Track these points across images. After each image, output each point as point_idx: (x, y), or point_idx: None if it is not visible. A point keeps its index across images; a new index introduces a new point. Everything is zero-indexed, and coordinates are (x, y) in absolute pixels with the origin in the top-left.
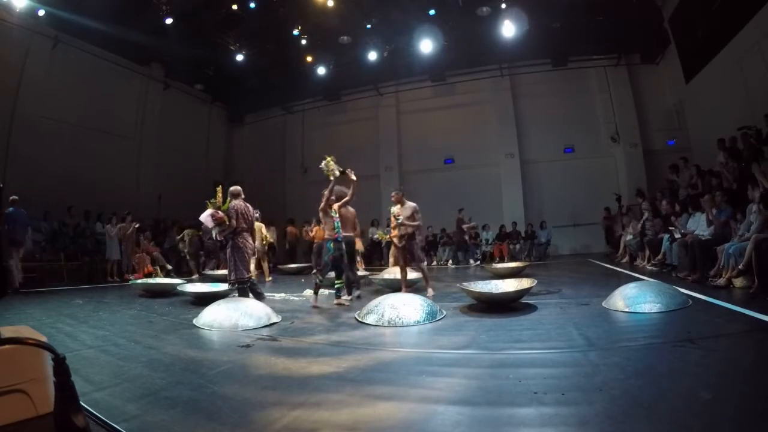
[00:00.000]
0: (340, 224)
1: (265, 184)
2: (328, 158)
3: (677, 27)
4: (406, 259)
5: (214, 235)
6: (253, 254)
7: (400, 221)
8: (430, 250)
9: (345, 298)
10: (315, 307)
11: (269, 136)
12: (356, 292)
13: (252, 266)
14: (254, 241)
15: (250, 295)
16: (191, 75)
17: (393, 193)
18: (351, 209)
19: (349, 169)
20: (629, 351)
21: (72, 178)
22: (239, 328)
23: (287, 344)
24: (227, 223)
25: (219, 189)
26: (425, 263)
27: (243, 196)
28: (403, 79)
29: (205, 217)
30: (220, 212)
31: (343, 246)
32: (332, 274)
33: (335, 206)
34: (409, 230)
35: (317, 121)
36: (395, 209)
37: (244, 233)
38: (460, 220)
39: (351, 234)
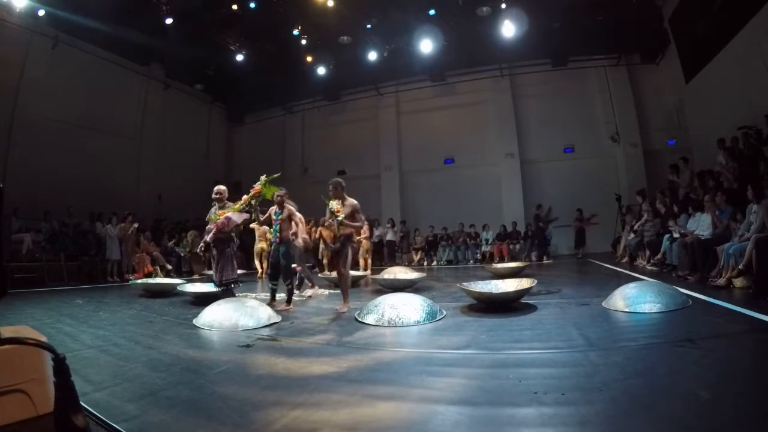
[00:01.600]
0: (279, 228)
1: None
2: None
3: (677, 27)
4: (338, 265)
5: (232, 233)
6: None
7: (340, 219)
8: (430, 250)
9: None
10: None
11: (269, 136)
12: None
13: (257, 264)
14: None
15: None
16: (191, 75)
17: (331, 185)
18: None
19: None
20: (629, 351)
21: (72, 178)
22: (239, 328)
23: (287, 344)
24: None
25: (264, 180)
26: (349, 274)
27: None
28: (403, 79)
29: (236, 217)
30: (243, 213)
31: (281, 249)
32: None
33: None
34: (347, 231)
35: (317, 121)
36: (335, 204)
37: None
38: (538, 216)
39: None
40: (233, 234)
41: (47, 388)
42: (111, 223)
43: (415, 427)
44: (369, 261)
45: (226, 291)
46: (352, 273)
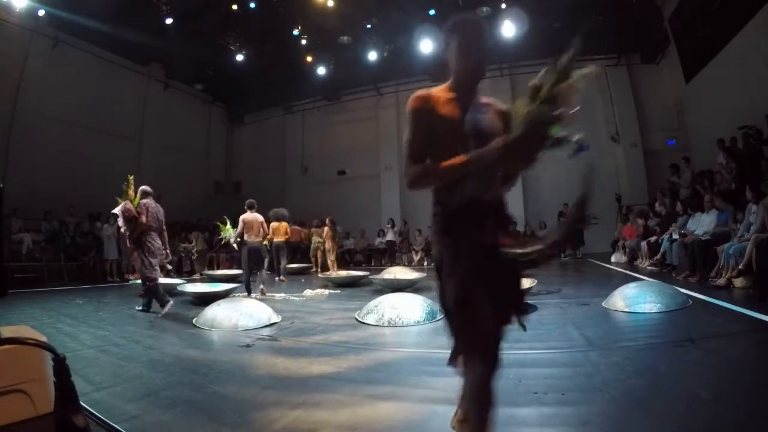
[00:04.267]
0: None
1: (265, 184)
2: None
3: (677, 27)
4: None
5: (122, 231)
6: (161, 255)
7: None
8: (430, 250)
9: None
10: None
11: (269, 136)
12: (254, 295)
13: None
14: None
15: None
16: (191, 75)
17: None
18: (259, 217)
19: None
20: (629, 351)
21: (72, 177)
22: (239, 328)
23: (287, 344)
24: (138, 219)
25: (131, 179)
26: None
27: (153, 196)
28: (403, 79)
29: (119, 210)
30: (129, 206)
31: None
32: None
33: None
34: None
35: (317, 121)
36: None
37: (152, 233)
38: (563, 213)
39: (257, 240)
40: (127, 231)
41: (47, 388)
42: (108, 223)
43: (415, 427)
44: (326, 261)
45: (146, 291)
46: (354, 273)
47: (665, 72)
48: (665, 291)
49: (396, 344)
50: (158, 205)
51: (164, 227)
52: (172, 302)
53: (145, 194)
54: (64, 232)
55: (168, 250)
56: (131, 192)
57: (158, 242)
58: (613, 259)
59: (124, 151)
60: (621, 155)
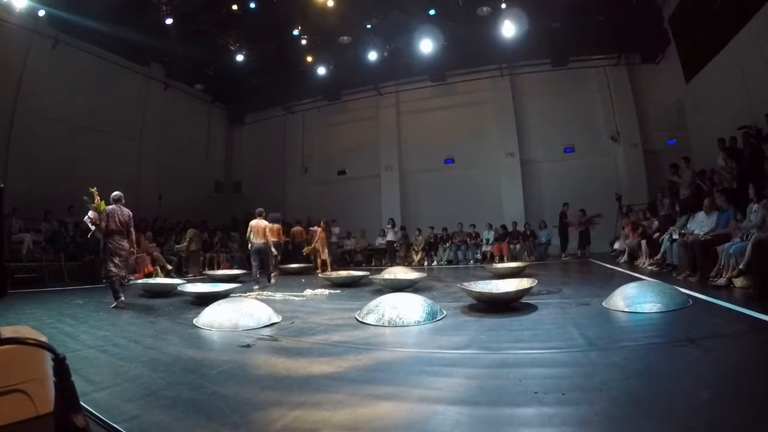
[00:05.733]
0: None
1: (265, 184)
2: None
3: (677, 27)
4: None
5: (94, 235)
6: (126, 255)
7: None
8: (430, 250)
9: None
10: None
11: (269, 136)
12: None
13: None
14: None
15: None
16: (191, 75)
17: None
18: (262, 222)
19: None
20: (629, 351)
21: (72, 177)
22: (239, 328)
23: (287, 344)
24: (98, 225)
25: (94, 191)
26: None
27: (123, 201)
28: (403, 79)
29: (87, 217)
30: (94, 214)
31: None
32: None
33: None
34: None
35: (317, 121)
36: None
37: (115, 236)
38: (564, 213)
39: (261, 242)
40: (97, 235)
41: (47, 388)
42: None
43: (415, 427)
44: (318, 260)
45: (110, 284)
46: (355, 273)
47: (665, 72)
48: (665, 291)
49: (396, 344)
50: (123, 209)
51: (131, 229)
52: (123, 299)
53: (113, 201)
54: (64, 232)
55: (135, 249)
56: (96, 200)
57: (118, 243)
58: (615, 245)
59: (124, 151)
60: (621, 155)
